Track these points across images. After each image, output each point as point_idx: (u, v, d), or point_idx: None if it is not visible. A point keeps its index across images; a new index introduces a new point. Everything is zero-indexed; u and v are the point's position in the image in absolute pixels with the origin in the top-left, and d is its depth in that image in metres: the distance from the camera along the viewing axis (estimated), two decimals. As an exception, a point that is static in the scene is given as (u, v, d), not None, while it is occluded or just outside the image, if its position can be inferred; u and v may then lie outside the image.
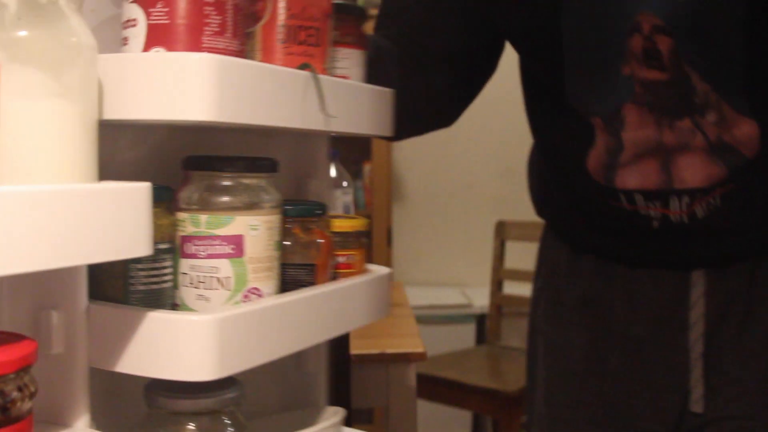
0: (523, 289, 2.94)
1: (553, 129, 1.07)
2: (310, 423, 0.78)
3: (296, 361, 0.87)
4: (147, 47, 0.61)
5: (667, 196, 0.96)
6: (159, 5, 0.60)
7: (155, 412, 0.65)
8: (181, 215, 0.66)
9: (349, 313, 0.76)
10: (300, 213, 0.73)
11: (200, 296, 0.65)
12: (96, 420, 0.62)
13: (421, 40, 1.03)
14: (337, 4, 0.78)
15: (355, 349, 1.56)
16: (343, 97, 0.74)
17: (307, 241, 0.74)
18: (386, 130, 0.83)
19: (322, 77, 0.70)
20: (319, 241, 0.74)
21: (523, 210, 2.96)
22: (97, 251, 0.52)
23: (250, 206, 0.66)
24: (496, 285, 2.87)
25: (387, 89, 0.83)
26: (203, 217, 0.65)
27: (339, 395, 1.45)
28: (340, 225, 0.79)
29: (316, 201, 0.80)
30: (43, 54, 0.50)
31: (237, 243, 0.66)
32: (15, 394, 0.48)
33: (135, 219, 0.54)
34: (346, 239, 0.79)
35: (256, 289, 0.66)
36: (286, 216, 0.72)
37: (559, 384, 1.14)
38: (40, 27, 0.50)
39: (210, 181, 0.66)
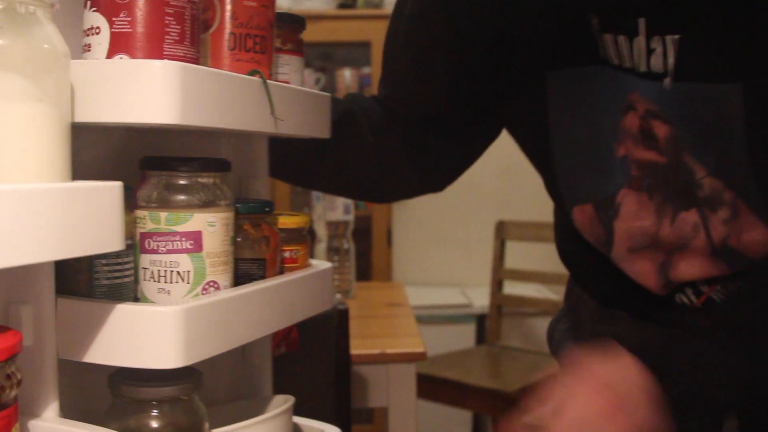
0: (523, 289, 2.98)
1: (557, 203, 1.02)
2: (263, 411, 0.83)
3: (242, 353, 0.91)
4: (110, 54, 0.64)
5: (673, 295, 0.90)
6: (122, 15, 0.64)
7: (119, 400, 0.69)
8: (141, 213, 0.69)
9: (298, 305, 0.80)
10: (250, 210, 0.78)
11: (161, 289, 0.69)
12: (64, 410, 0.65)
13: (411, 106, 1.02)
14: (277, 14, 0.83)
15: (355, 349, 1.58)
16: (287, 101, 0.78)
17: (257, 237, 0.78)
18: (324, 132, 0.88)
19: (270, 83, 0.75)
20: (267, 236, 0.79)
21: (523, 210, 3.04)
22: (74, 246, 0.55)
23: (207, 204, 0.70)
24: (496, 285, 2.88)
25: (324, 94, 0.88)
26: (163, 215, 0.69)
27: (339, 395, 1.49)
28: (284, 221, 0.83)
29: (264, 199, 0.85)
30: (23, 61, 0.53)
31: (196, 239, 0.69)
32: (4, 382, 0.51)
33: (109, 216, 0.57)
34: (290, 235, 0.84)
35: (214, 282, 0.70)
36: (237, 213, 0.76)
37: None
38: (19, 35, 0.53)
39: (168, 180, 0.70)
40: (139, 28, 0.64)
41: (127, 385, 0.68)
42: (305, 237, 0.85)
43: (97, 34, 0.64)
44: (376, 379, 1.69)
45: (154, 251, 0.69)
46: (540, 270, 2.80)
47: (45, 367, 0.63)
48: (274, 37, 0.80)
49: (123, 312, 0.63)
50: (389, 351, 1.67)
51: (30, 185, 0.53)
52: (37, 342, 0.63)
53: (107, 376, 0.69)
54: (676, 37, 0.77)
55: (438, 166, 1.08)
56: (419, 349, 1.67)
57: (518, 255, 2.96)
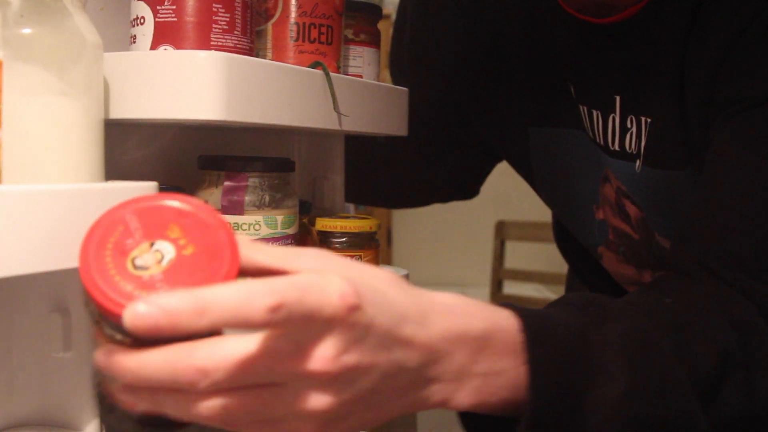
0: (523, 289, 2.95)
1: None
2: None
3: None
4: (155, 45, 0.60)
5: None
6: (166, 3, 0.59)
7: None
8: (252, 218, 0.65)
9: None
10: None
11: None
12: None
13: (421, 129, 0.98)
14: (350, 2, 0.77)
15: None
16: (356, 96, 0.73)
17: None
18: (401, 129, 0.82)
19: (334, 75, 0.69)
20: None
21: (523, 210, 2.99)
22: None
23: (295, 205, 0.69)
24: (496, 285, 2.86)
25: (400, 88, 0.82)
26: (279, 218, 0.66)
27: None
28: (344, 225, 0.77)
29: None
30: (45, 51, 0.49)
31: (298, 241, 0.68)
32: None
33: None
34: (352, 240, 0.77)
35: None
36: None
37: None
38: (42, 24, 0.49)
39: (271, 182, 0.66)
40: (185, 17, 0.59)
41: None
42: (371, 242, 0.78)
43: (142, 24, 0.60)
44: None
45: None
46: (540, 270, 2.76)
47: (84, 380, 0.60)
48: (342, 26, 0.75)
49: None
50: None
51: (53, 186, 0.49)
52: (78, 352, 0.59)
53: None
54: (649, 119, 0.75)
55: (461, 179, 1.07)
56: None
57: (518, 255, 2.93)
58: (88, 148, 0.52)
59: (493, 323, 0.50)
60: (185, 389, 0.40)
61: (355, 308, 0.42)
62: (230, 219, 0.64)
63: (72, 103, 0.50)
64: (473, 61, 0.90)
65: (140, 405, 0.41)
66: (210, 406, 0.40)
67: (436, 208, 1.19)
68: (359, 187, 0.97)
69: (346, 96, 0.70)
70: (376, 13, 0.83)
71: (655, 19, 0.72)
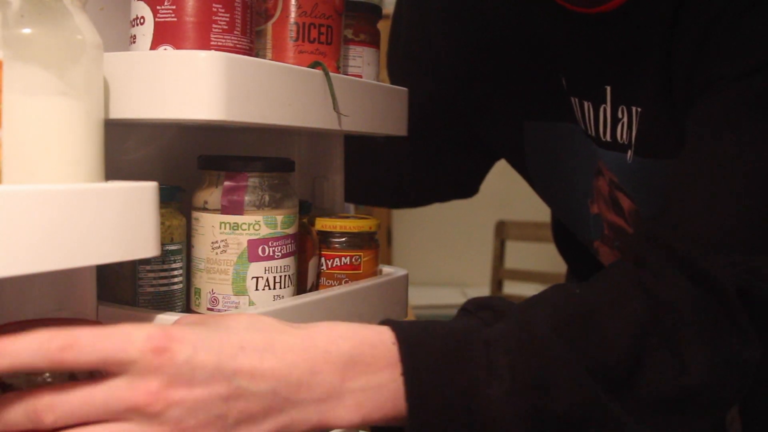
0: (523, 289, 2.92)
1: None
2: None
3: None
4: (154, 45, 0.60)
5: None
6: (166, 3, 0.59)
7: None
8: (252, 218, 0.65)
9: (363, 317, 0.74)
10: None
11: (277, 296, 0.66)
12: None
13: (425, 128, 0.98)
14: (350, 2, 0.77)
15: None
16: (356, 96, 0.73)
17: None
18: (400, 129, 0.82)
19: (334, 75, 0.69)
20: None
21: (523, 210, 3.00)
22: (101, 253, 0.51)
23: (295, 205, 0.69)
24: (496, 285, 2.85)
25: (400, 88, 0.82)
26: (279, 218, 0.66)
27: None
28: (344, 225, 0.77)
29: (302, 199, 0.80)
30: (45, 51, 0.49)
31: (298, 241, 0.69)
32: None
33: (141, 219, 0.53)
34: (352, 240, 0.77)
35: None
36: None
37: None
38: (43, 24, 0.49)
39: (271, 182, 0.66)
40: (185, 17, 0.59)
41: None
42: (371, 242, 0.78)
43: (142, 24, 0.60)
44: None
45: (270, 257, 0.66)
46: (540, 270, 2.75)
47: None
48: (342, 26, 0.75)
49: (164, 323, 0.59)
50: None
51: (53, 186, 0.49)
52: (76, 352, 0.59)
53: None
54: (639, 109, 0.74)
55: (461, 177, 1.07)
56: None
57: (518, 255, 2.91)
58: (88, 148, 0.52)
59: (360, 340, 0.52)
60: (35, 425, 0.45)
61: (161, 350, 0.46)
62: (230, 219, 0.64)
63: (72, 103, 0.50)
64: (466, 58, 0.90)
65: None
66: None
67: (436, 208, 1.19)
68: (358, 187, 0.97)
69: (345, 96, 0.70)
70: (376, 13, 0.83)
71: (642, 7, 0.72)
